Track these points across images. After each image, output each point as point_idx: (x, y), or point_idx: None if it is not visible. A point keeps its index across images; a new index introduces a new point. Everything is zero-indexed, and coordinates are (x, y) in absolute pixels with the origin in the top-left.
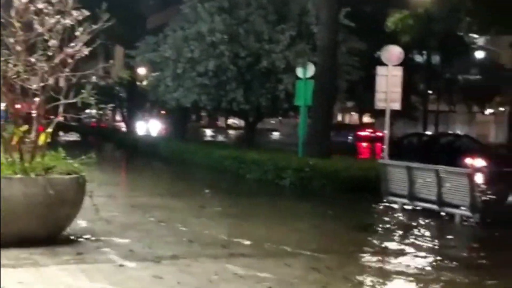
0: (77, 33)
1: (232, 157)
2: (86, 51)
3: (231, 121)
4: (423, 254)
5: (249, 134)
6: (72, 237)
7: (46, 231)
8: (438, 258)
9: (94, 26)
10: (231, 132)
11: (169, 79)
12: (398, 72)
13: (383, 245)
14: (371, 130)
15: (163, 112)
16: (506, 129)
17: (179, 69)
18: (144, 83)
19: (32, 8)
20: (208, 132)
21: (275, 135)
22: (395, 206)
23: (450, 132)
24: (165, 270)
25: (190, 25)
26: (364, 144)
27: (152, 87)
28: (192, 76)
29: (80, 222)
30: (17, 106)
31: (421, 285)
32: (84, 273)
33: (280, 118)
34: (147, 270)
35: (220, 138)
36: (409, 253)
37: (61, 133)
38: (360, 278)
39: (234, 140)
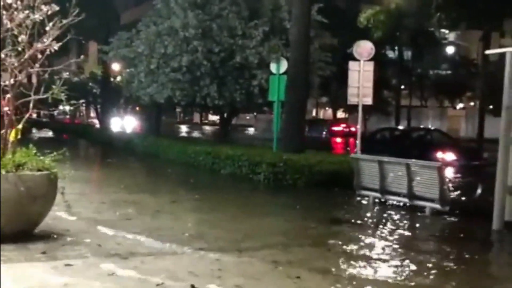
0: (47, 28)
1: (206, 153)
2: (56, 46)
3: (214, 117)
4: (390, 245)
5: (223, 130)
6: (43, 234)
7: (17, 227)
8: (406, 249)
9: (64, 21)
10: (206, 128)
11: (143, 75)
12: (370, 67)
13: (352, 238)
14: (344, 125)
15: (137, 108)
16: (477, 124)
17: (152, 65)
18: (118, 79)
19: (1, 3)
20: (183, 128)
21: (250, 130)
22: (367, 200)
23: (421, 126)
24: (129, 265)
25: (163, 20)
26: (338, 139)
27: (126, 83)
28: (166, 71)
29: (52, 219)
30: None
31: (387, 275)
32: (55, 270)
33: (255, 113)
34: (113, 266)
35: (195, 134)
36: (377, 245)
37: (34, 130)
38: (326, 269)
39: (209, 136)
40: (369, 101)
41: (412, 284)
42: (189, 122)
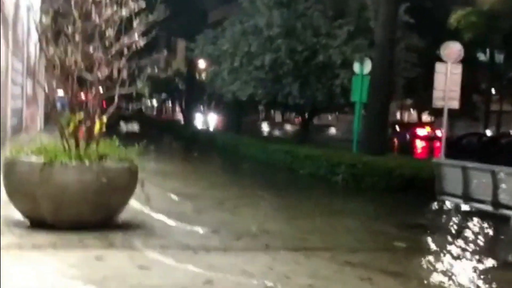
0: (134, 25)
1: (285, 152)
2: (142, 42)
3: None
4: (467, 253)
5: (304, 129)
6: (122, 224)
7: (97, 217)
8: (488, 259)
9: (151, 17)
10: (287, 127)
11: (226, 72)
12: (458, 70)
13: (428, 244)
14: (430, 129)
15: (220, 105)
16: None
17: (236, 62)
18: (203, 76)
19: None
20: (265, 126)
21: (332, 131)
22: (449, 206)
23: (511, 132)
24: (201, 259)
25: (248, 18)
26: (422, 143)
27: (210, 80)
28: (249, 69)
29: (131, 210)
30: (74, 94)
31: (459, 283)
32: (131, 259)
33: (336, 113)
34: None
35: (276, 132)
36: (453, 253)
37: (121, 123)
38: (398, 273)
39: (290, 135)
40: (455, 105)
41: None
42: (270, 120)
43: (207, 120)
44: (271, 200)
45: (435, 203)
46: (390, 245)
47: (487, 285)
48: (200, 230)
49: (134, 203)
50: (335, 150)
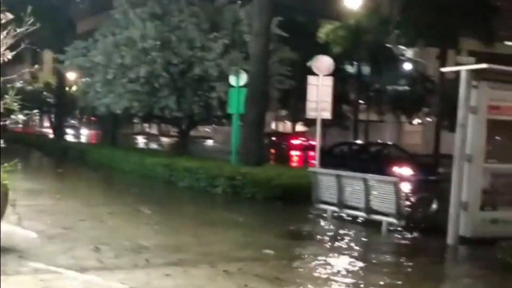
0: (0, 37)
1: (164, 165)
2: (9, 55)
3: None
4: (345, 258)
5: (182, 142)
6: None
7: None
8: (359, 263)
9: (19, 30)
10: (164, 139)
11: (99, 85)
12: (329, 82)
13: (306, 251)
14: (303, 139)
15: (93, 118)
16: (433, 139)
17: (109, 75)
18: (74, 88)
19: None
20: (140, 139)
21: (209, 142)
22: (325, 213)
23: (379, 141)
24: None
25: (121, 30)
26: (297, 153)
27: (82, 93)
28: (123, 82)
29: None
30: None
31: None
32: (5, 283)
33: (214, 125)
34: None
35: (153, 145)
36: (330, 257)
37: None
38: (275, 278)
39: (167, 148)
40: (327, 115)
41: None
42: (146, 133)
43: (79, 133)
44: (151, 215)
45: (312, 211)
46: (267, 253)
47: (354, 285)
48: (77, 249)
49: (4, 225)
50: (214, 162)
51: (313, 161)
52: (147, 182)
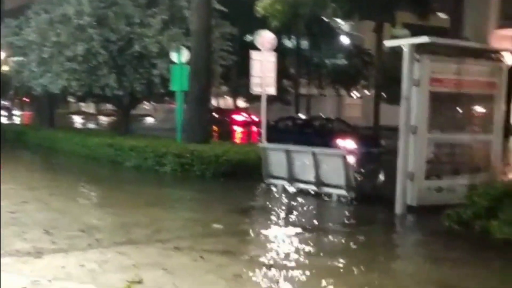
0: None
1: (108, 144)
2: None
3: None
4: (297, 229)
5: (123, 120)
6: None
7: None
8: (310, 234)
9: None
10: (102, 118)
11: (34, 64)
12: (272, 58)
13: (259, 225)
14: (246, 115)
15: (26, 99)
16: (373, 112)
17: (45, 54)
18: (6, 68)
19: None
20: (77, 119)
21: (149, 120)
22: (276, 188)
23: (322, 115)
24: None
25: (55, 7)
26: (240, 129)
27: (15, 73)
28: (60, 61)
29: None
30: None
31: (288, 257)
32: None
33: (152, 103)
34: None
35: (91, 125)
36: (282, 230)
37: None
38: (232, 253)
39: (105, 127)
40: (272, 91)
41: (311, 265)
42: (83, 112)
43: (12, 115)
44: (98, 195)
45: (263, 186)
46: (217, 228)
47: (305, 254)
48: (29, 232)
49: None
50: (160, 141)
51: (257, 137)
52: (91, 163)
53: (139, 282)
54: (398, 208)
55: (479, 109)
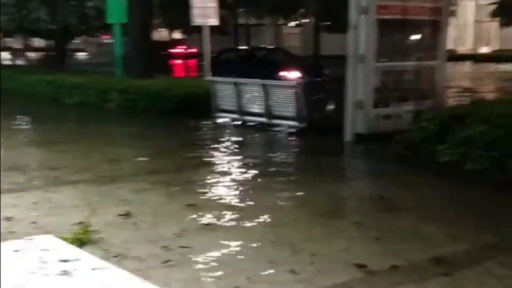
0: None
1: (47, 81)
2: None
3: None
4: (248, 160)
5: (59, 56)
6: None
7: None
8: (263, 165)
9: None
10: (30, 54)
11: None
12: None
13: (207, 158)
14: (184, 47)
15: None
16: (312, 41)
17: None
18: None
19: None
20: (4, 55)
21: (81, 55)
22: (226, 121)
23: (263, 45)
24: None
25: None
26: (178, 61)
27: None
28: None
29: None
30: None
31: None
32: None
33: (85, 37)
34: None
35: (19, 61)
36: (233, 162)
37: None
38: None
39: (37, 63)
40: (214, 21)
41: (259, 191)
42: (10, 48)
43: None
44: (48, 135)
45: (212, 120)
46: (174, 163)
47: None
48: None
49: None
50: (102, 77)
51: (198, 71)
52: (29, 101)
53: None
54: (348, 136)
55: (424, 35)
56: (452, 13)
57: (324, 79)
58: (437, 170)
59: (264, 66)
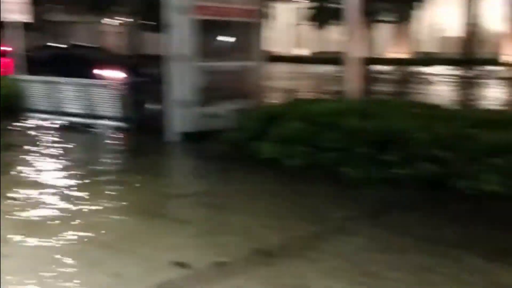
0: None
1: None
2: None
3: None
4: (63, 162)
5: None
6: None
7: None
8: (83, 168)
9: None
10: None
11: None
12: None
13: (17, 160)
14: None
15: None
16: (131, 40)
17: None
18: None
19: None
20: None
21: None
22: (40, 123)
23: (83, 44)
24: None
25: None
26: None
27: None
28: None
29: None
30: None
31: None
32: None
33: None
34: None
35: None
36: (49, 167)
37: None
38: None
39: None
40: (27, 18)
41: (78, 193)
42: None
43: None
44: None
45: (25, 122)
46: None
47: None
48: None
49: None
50: None
51: (9, 69)
52: None
53: None
54: (171, 136)
55: (242, 37)
56: (270, 16)
57: (148, 79)
58: (259, 167)
59: (84, 64)
